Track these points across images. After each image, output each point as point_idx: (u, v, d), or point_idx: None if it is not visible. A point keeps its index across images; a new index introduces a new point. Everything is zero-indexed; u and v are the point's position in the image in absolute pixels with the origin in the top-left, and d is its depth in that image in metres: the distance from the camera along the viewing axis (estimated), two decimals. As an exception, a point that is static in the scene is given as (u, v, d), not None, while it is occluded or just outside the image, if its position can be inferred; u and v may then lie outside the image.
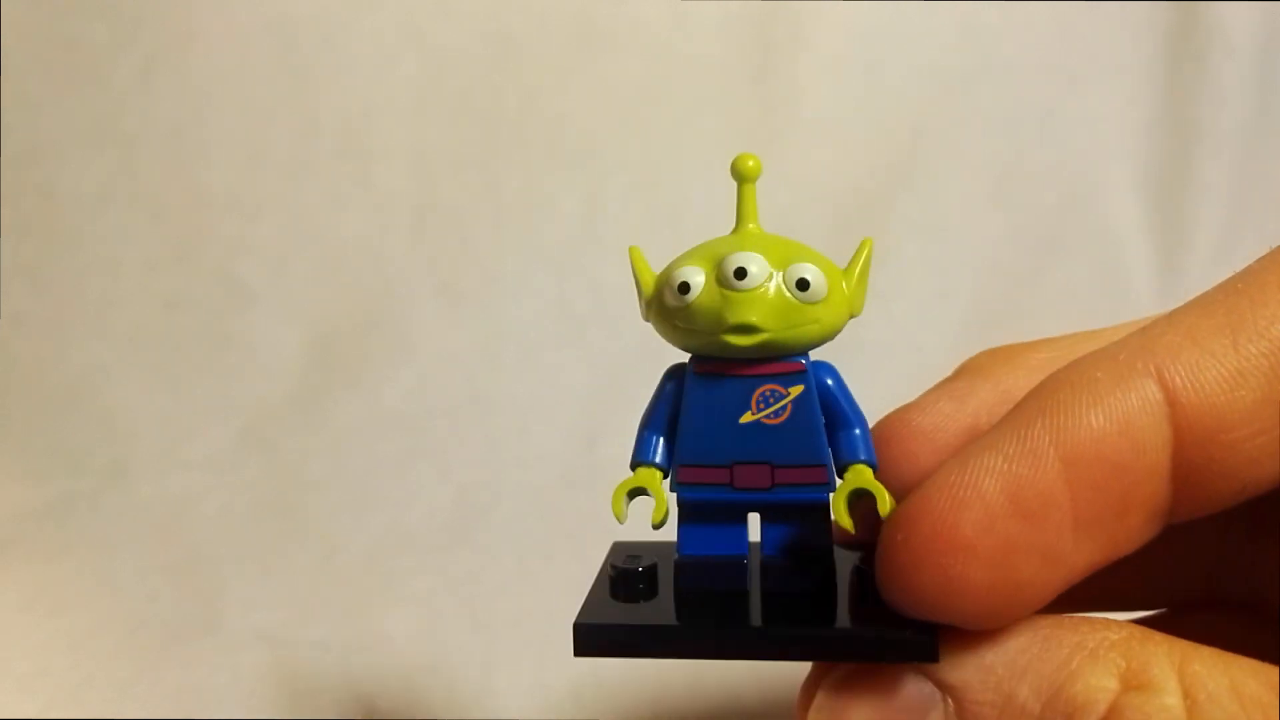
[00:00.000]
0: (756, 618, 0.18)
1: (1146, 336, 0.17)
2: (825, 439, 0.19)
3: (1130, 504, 0.16)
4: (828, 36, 0.54)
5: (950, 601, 0.16)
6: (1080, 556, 0.16)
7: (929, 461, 0.20)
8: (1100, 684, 0.15)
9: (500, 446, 0.47)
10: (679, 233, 0.51)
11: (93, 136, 0.47)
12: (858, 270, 0.19)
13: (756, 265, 0.18)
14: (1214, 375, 0.16)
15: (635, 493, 0.19)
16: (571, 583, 0.40)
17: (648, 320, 0.20)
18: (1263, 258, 0.17)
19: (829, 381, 0.19)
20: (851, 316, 0.19)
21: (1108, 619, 0.16)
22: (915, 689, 0.17)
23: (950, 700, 0.17)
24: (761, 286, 0.18)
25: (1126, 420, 0.16)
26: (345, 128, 0.49)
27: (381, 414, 0.48)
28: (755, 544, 0.20)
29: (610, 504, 0.19)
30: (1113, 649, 0.16)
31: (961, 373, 0.22)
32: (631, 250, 0.20)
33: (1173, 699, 0.15)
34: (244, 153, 0.48)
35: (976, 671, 0.16)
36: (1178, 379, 0.16)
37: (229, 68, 0.48)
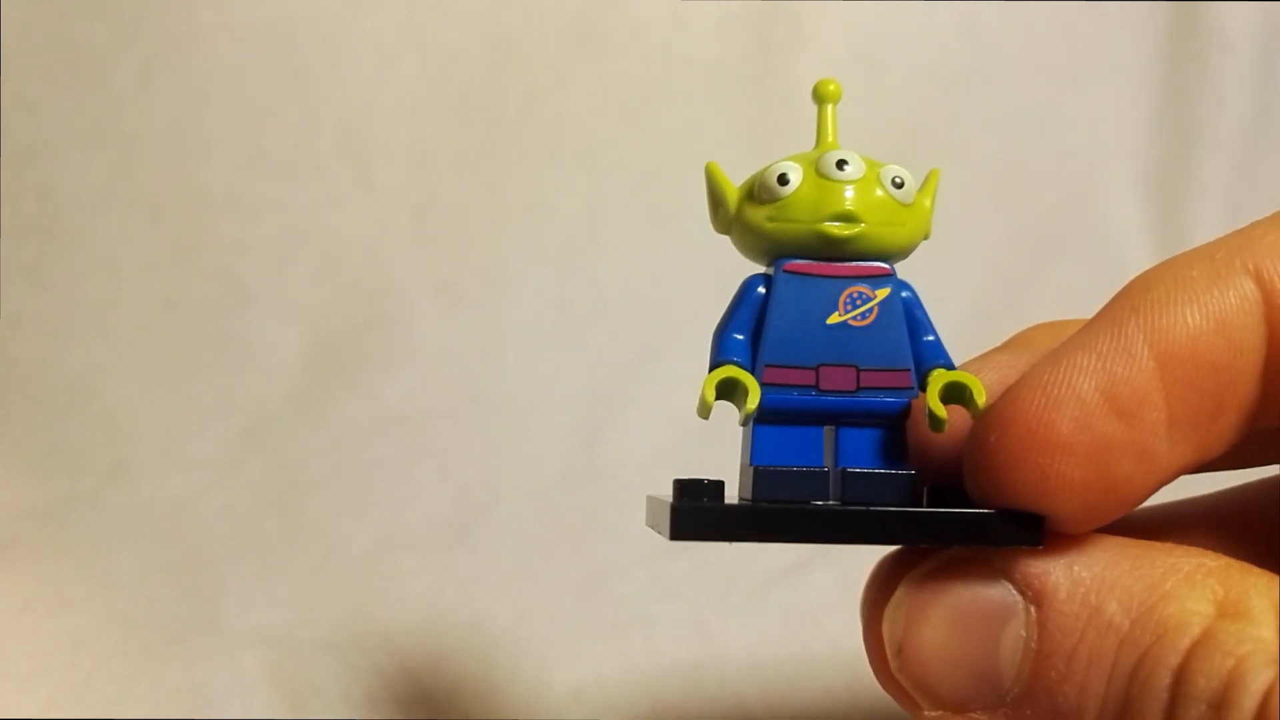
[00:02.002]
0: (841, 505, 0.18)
1: (1246, 235, 0.17)
2: (909, 346, 0.19)
3: (1225, 404, 0.16)
4: (828, 36, 0.54)
5: (1047, 500, 0.16)
6: (1174, 456, 0.16)
7: (961, 432, 0.20)
8: (1195, 608, 0.15)
9: (500, 446, 0.47)
10: (679, 233, 0.51)
11: (93, 136, 0.47)
12: (930, 194, 0.20)
13: (856, 160, 0.19)
14: None
15: (723, 386, 0.18)
16: (572, 582, 0.40)
17: (726, 232, 0.20)
18: None
19: (908, 294, 0.19)
20: (924, 238, 0.20)
21: (1202, 549, 0.16)
22: (998, 593, 0.16)
23: (1034, 609, 0.16)
24: (862, 178, 0.19)
25: (1223, 318, 0.16)
26: (345, 128, 0.50)
27: (382, 414, 0.48)
28: (830, 455, 0.19)
29: (702, 391, 0.18)
30: (1210, 575, 0.15)
31: (1009, 344, 0.22)
32: (710, 165, 0.20)
33: (1268, 631, 0.14)
34: (244, 153, 0.48)
35: (1065, 580, 0.16)
36: (1276, 279, 0.16)
37: (229, 68, 0.48)
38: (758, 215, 0.19)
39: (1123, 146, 0.59)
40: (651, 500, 0.20)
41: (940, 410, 0.18)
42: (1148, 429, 0.16)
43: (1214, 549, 0.20)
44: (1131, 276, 0.18)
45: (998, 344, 0.23)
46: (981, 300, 0.54)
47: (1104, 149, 0.59)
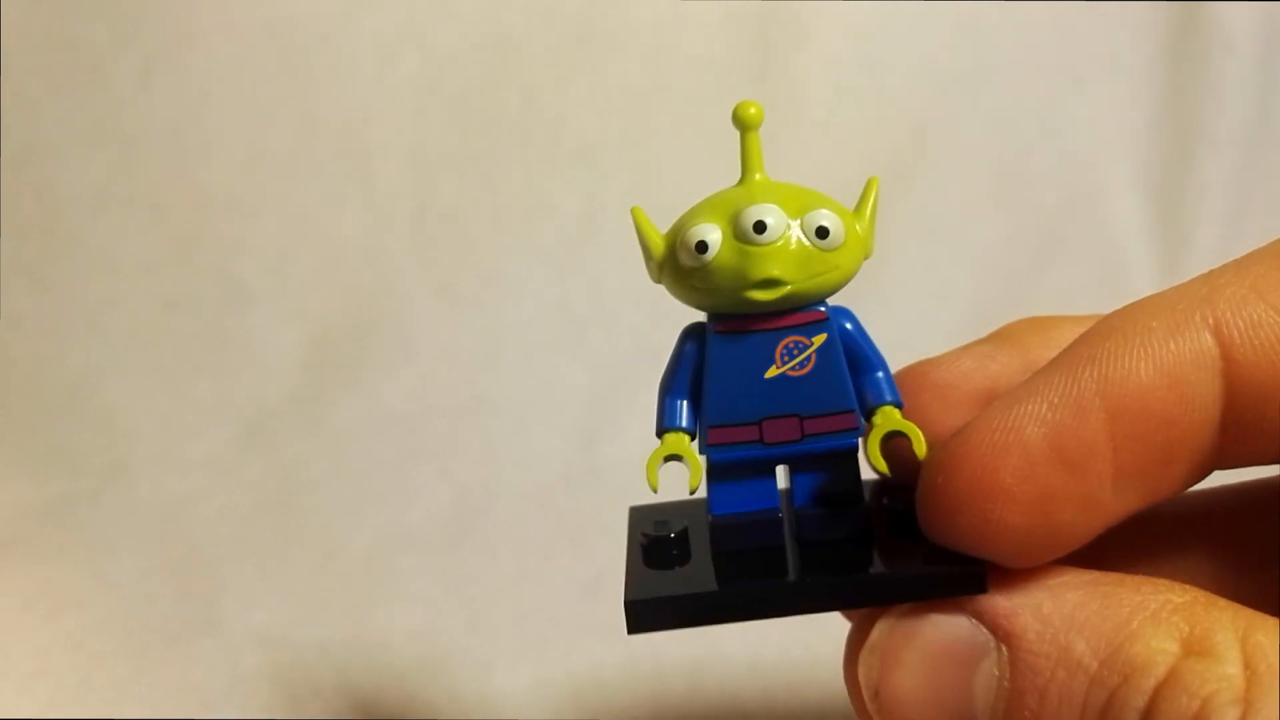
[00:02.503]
0: (796, 572, 0.18)
1: (1209, 285, 0.17)
2: (851, 385, 0.19)
3: (1174, 455, 0.16)
4: (828, 36, 0.54)
5: (988, 543, 0.17)
6: (1120, 504, 0.17)
7: (939, 414, 0.20)
8: (1161, 646, 0.15)
9: (500, 446, 0.47)
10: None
11: (92, 136, 0.47)
12: (868, 211, 0.19)
13: (774, 217, 0.18)
14: (1276, 333, 0.16)
15: (669, 459, 0.19)
16: (572, 582, 0.40)
17: (658, 282, 0.20)
18: None
19: (848, 326, 0.19)
20: (865, 258, 0.19)
21: (1171, 582, 0.16)
22: (969, 635, 0.17)
23: (1005, 649, 0.16)
24: (782, 238, 0.18)
25: (1177, 374, 0.16)
26: (345, 128, 0.49)
27: (381, 414, 0.48)
28: (785, 492, 0.20)
29: (645, 473, 0.19)
30: (1175, 612, 0.15)
31: (993, 336, 0.22)
32: (634, 211, 0.20)
33: (1233, 668, 0.14)
34: (244, 153, 0.48)
35: (1034, 621, 0.16)
36: (1235, 334, 0.16)
37: (229, 68, 0.48)
38: (681, 281, 0.19)
39: (1123, 146, 0.59)
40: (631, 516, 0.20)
41: (881, 465, 0.19)
42: (1092, 480, 0.16)
43: (1207, 550, 0.20)
44: (1132, 276, 0.18)
45: (988, 337, 0.23)
46: (981, 300, 0.54)
47: (1104, 149, 0.59)
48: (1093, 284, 0.57)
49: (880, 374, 0.19)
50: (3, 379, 0.46)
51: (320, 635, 0.36)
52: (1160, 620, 0.15)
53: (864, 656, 0.18)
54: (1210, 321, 0.16)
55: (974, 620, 0.17)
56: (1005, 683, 0.16)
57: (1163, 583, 0.16)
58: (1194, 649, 0.15)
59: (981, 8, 0.56)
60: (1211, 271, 0.17)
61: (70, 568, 0.39)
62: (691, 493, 0.19)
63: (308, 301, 0.49)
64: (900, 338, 0.24)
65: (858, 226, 0.19)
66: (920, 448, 0.18)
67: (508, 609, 0.37)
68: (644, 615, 0.18)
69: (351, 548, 0.41)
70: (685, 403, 0.19)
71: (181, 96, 0.47)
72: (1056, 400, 0.16)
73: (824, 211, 0.18)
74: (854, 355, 0.19)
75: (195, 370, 0.47)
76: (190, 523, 0.42)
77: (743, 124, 0.19)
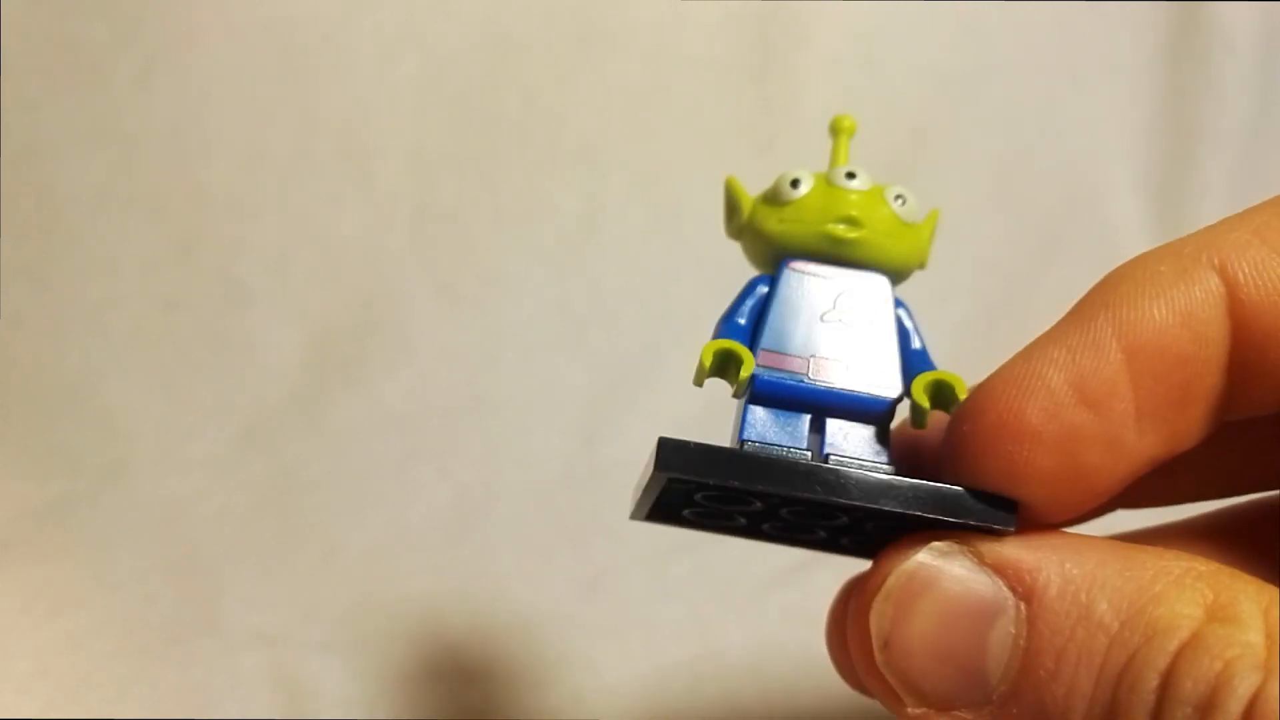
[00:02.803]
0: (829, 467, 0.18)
1: (1213, 231, 0.17)
2: (898, 348, 0.20)
3: (1191, 396, 0.17)
4: (828, 36, 0.54)
5: (1016, 487, 0.17)
6: (1144, 447, 0.17)
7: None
8: (1185, 610, 0.15)
9: (500, 446, 0.47)
10: (679, 232, 0.51)
11: (92, 136, 0.47)
12: (931, 226, 0.21)
13: (864, 173, 0.20)
14: (1278, 273, 0.16)
15: (718, 360, 0.20)
16: (572, 582, 0.40)
17: (736, 238, 0.21)
18: None
19: (900, 308, 0.21)
20: (920, 266, 0.21)
21: (1193, 554, 0.16)
22: (989, 589, 0.16)
23: (1024, 605, 0.16)
24: (869, 189, 0.20)
25: (1188, 312, 0.16)
26: (345, 128, 0.49)
27: (381, 414, 0.48)
28: (814, 440, 0.20)
29: (700, 357, 0.19)
30: (1200, 579, 0.15)
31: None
32: (729, 179, 0.22)
33: (1256, 636, 0.14)
34: (244, 153, 0.48)
35: (1057, 577, 0.16)
36: (1240, 274, 0.16)
37: (229, 68, 0.48)
38: (769, 217, 0.20)
39: (1123, 146, 0.59)
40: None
41: (923, 400, 0.19)
42: (1116, 419, 0.17)
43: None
44: None
45: (997, 344, 0.23)
46: (981, 300, 0.54)
47: (1104, 149, 0.59)
48: (1092, 284, 0.57)
49: (924, 348, 0.20)
50: (2, 379, 0.46)
51: (320, 635, 0.36)
52: (1185, 585, 0.15)
53: (878, 603, 0.17)
54: (1216, 263, 0.17)
55: (994, 575, 0.17)
56: (1022, 641, 0.16)
57: (1186, 554, 0.16)
58: (1218, 615, 0.15)
59: (981, 8, 0.56)
60: (1216, 222, 0.17)
61: (70, 568, 0.39)
62: (738, 392, 0.20)
63: (308, 301, 0.49)
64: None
65: (925, 230, 0.21)
66: (962, 393, 0.19)
67: (508, 609, 0.37)
68: (672, 456, 0.18)
69: (351, 547, 0.41)
70: (745, 325, 0.20)
71: (181, 96, 0.47)
72: (1074, 343, 0.17)
73: (905, 189, 0.20)
74: (903, 330, 0.20)
75: (195, 370, 0.47)
76: (190, 523, 0.42)
77: (837, 131, 0.22)
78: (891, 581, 0.17)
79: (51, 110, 0.46)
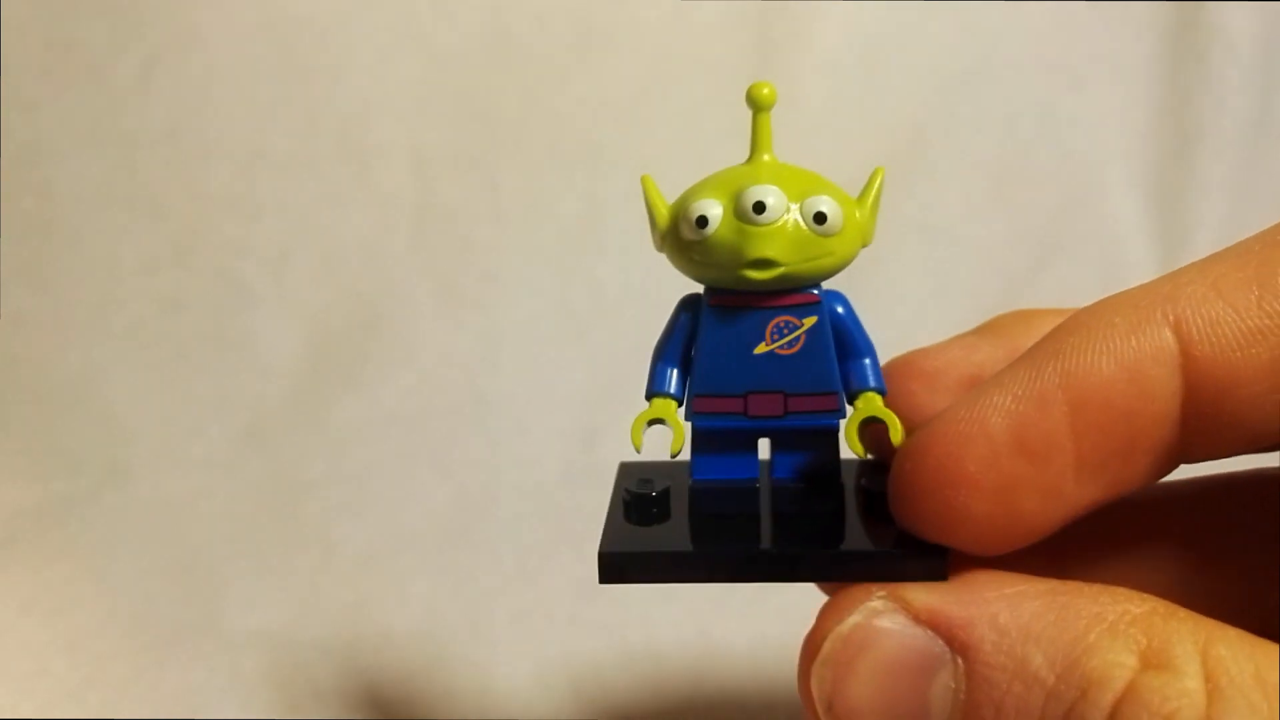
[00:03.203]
0: (768, 540, 0.19)
1: (1173, 284, 0.17)
2: (837, 368, 0.19)
3: (1136, 448, 0.17)
4: (828, 36, 0.54)
5: (953, 530, 0.17)
6: (1083, 495, 0.17)
7: (925, 401, 0.20)
8: (1118, 660, 0.15)
9: (500, 446, 0.47)
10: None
11: (92, 136, 0.47)
12: (870, 200, 0.19)
13: (774, 198, 0.18)
14: (1233, 330, 0.16)
15: (653, 423, 0.20)
16: (572, 582, 0.40)
17: (661, 251, 0.20)
18: None
19: (840, 310, 0.20)
20: (864, 245, 0.19)
21: (1130, 591, 0.16)
22: (925, 646, 0.16)
23: (961, 661, 0.16)
24: (780, 220, 0.18)
25: (1137, 368, 0.16)
26: (345, 127, 0.49)
27: (381, 414, 0.48)
28: (765, 464, 0.20)
29: (630, 434, 0.19)
30: (1133, 624, 0.15)
31: (981, 328, 0.22)
32: (644, 180, 0.20)
33: (1194, 682, 0.14)
34: (244, 153, 0.48)
35: (990, 632, 0.16)
36: (1194, 331, 0.16)
37: (229, 68, 0.48)
38: (681, 253, 0.19)
39: (1123, 146, 0.59)
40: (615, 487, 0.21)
41: (857, 448, 0.19)
42: (1055, 470, 0.17)
43: (1171, 543, 0.20)
44: (1131, 276, 0.18)
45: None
46: (980, 300, 0.54)
47: (1104, 149, 0.59)
48: (1092, 284, 0.57)
49: (867, 360, 0.20)
50: (3, 379, 0.46)
51: (320, 635, 0.36)
52: (1118, 632, 0.15)
53: (816, 668, 0.18)
54: (1171, 319, 0.16)
55: (929, 631, 0.17)
56: (961, 695, 0.16)
57: (1121, 592, 0.16)
58: (1152, 662, 0.15)
59: (981, 8, 0.56)
60: (1177, 270, 0.17)
61: (70, 567, 0.39)
62: (673, 457, 0.20)
63: (308, 301, 0.49)
64: (899, 337, 0.24)
65: (858, 214, 0.19)
66: (896, 435, 0.19)
67: (508, 608, 0.37)
68: (614, 567, 0.18)
69: (351, 547, 0.41)
70: (675, 370, 0.20)
71: (182, 96, 0.47)
72: (1020, 392, 0.17)
73: (824, 197, 0.18)
74: (843, 339, 0.20)
75: (196, 370, 0.47)
76: (190, 523, 0.42)
77: (755, 104, 0.19)
78: (828, 646, 0.17)
79: (52, 110, 0.46)
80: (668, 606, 0.37)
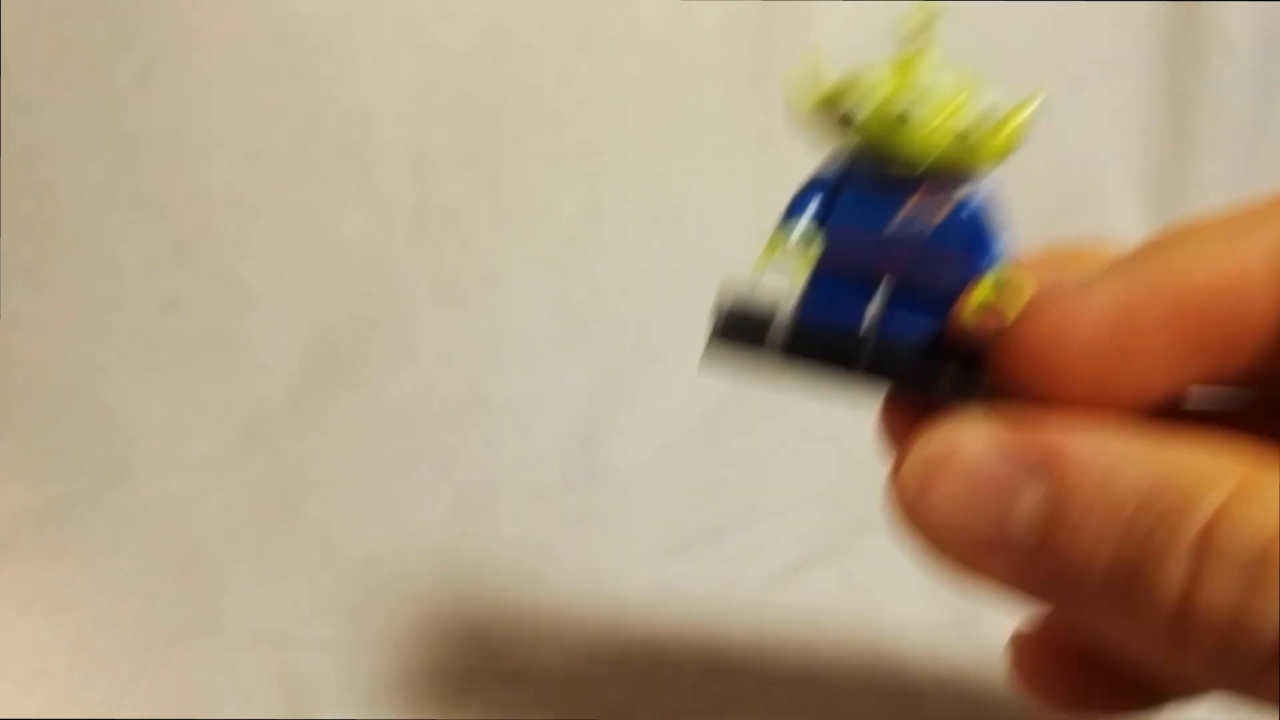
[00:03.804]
0: (866, 359, 0.19)
1: (1275, 199, 0.18)
2: (976, 243, 0.20)
3: (1235, 345, 0.17)
4: (828, 36, 0.55)
5: (1054, 386, 0.17)
6: (1183, 381, 0.17)
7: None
8: (1225, 468, 0.15)
9: (500, 446, 0.47)
10: (679, 233, 0.51)
11: (93, 136, 0.47)
12: (1025, 111, 0.21)
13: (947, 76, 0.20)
14: None
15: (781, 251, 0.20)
16: (571, 582, 0.40)
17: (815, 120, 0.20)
18: None
19: (979, 201, 0.20)
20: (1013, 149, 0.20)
21: (1231, 444, 0.16)
22: (1016, 458, 0.17)
23: (1050, 476, 0.16)
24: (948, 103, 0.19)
25: (1243, 265, 0.17)
26: (346, 127, 0.50)
27: (382, 414, 0.48)
28: (874, 323, 0.20)
29: (764, 249, 0.20)
30: (1231, 457, 0.15)
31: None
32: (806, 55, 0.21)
33: None
34: (244, 152, 0.48)
35: (1087, 446, 0.16)
36: None
37: (229, 68, 0.48)
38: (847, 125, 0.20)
39: (1123, 146, 0.59)
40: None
41: (978, 301, 0.19)
42: (1155, 355, 0.17)
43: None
44: None
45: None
46: (981, 300, 0.54)
47: (1104, 149, 0.59)
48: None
49: (999, 248, 0.20)
50: (3, 379, 0.46)
51: (321, 635, 0.36)
52: (1220, 454, 0.15)
53: (905, 469, 0.18)
54: (1271, 239, 0.17)
55: (1021, 447, 0.17)
56: (1046, 510, 0.16)
57: (1222, 442, 0.16)
58: (1246, 489, 0.14)
59: (981, 8, 0.56)
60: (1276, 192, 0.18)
61: (70, 567, 0.39)
62: (803, 261, 0.20)
63: (308, 301, 0.49)
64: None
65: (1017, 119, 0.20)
66: (1021, 297, 0.19)
67: (508, 608, 0.37)
68: (731, 329, 0.19)
69: (352, 547, 0.41)
70: (821, 198, 0.20)
71: (182, 96, 0.47)
72: (1131, 276, 0.17)
73: (992, 94, 0.20)
74: (982, 226, 0.20)
75: (196, 370, 0.47)
76: (191, 522, 0.42)
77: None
78: (918, 448, 0.18)
79: (52, 110, 0.46)
80: (668, 606, 0.37)
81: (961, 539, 0.17)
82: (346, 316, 0.49)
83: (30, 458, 0.45)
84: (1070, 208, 0.58)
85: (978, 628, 0.35)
